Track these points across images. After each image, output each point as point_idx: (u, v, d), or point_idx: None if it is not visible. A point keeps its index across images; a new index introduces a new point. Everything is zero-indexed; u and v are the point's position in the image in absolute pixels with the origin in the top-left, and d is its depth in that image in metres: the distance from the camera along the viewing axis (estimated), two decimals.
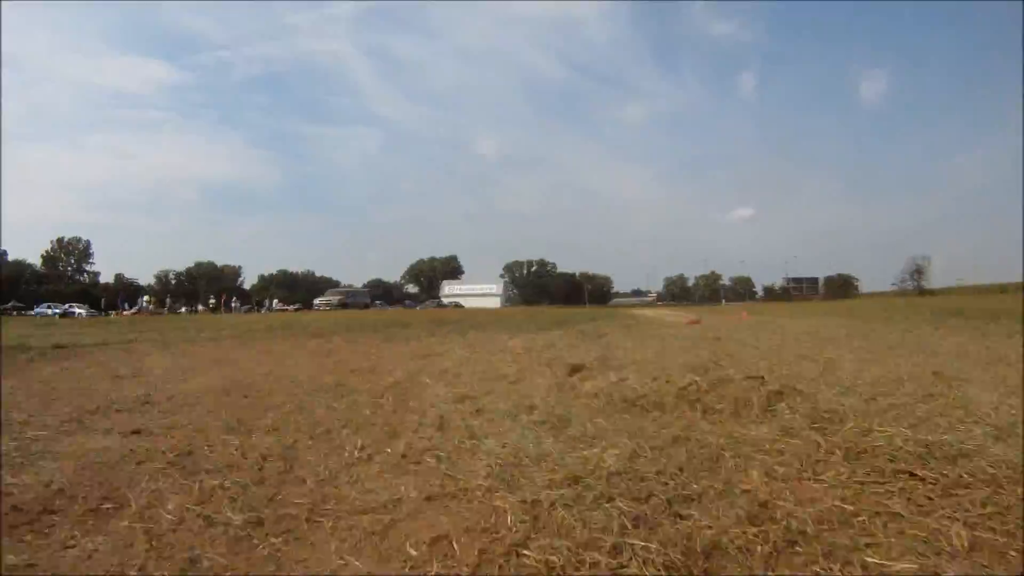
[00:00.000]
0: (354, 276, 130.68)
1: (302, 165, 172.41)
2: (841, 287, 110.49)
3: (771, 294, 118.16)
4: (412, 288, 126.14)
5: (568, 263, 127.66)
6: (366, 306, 35.74)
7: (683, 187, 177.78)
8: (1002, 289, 58.19)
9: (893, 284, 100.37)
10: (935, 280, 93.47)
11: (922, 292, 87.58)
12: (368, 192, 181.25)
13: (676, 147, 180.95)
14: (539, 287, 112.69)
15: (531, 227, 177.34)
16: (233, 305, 49.84)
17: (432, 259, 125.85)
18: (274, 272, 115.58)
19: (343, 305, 31.96)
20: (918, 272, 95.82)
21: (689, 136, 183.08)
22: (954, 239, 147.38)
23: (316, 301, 38.74)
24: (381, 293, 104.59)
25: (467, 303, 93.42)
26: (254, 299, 51.77)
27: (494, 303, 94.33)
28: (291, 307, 43.62)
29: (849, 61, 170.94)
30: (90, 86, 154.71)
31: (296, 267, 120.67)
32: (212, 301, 57.41)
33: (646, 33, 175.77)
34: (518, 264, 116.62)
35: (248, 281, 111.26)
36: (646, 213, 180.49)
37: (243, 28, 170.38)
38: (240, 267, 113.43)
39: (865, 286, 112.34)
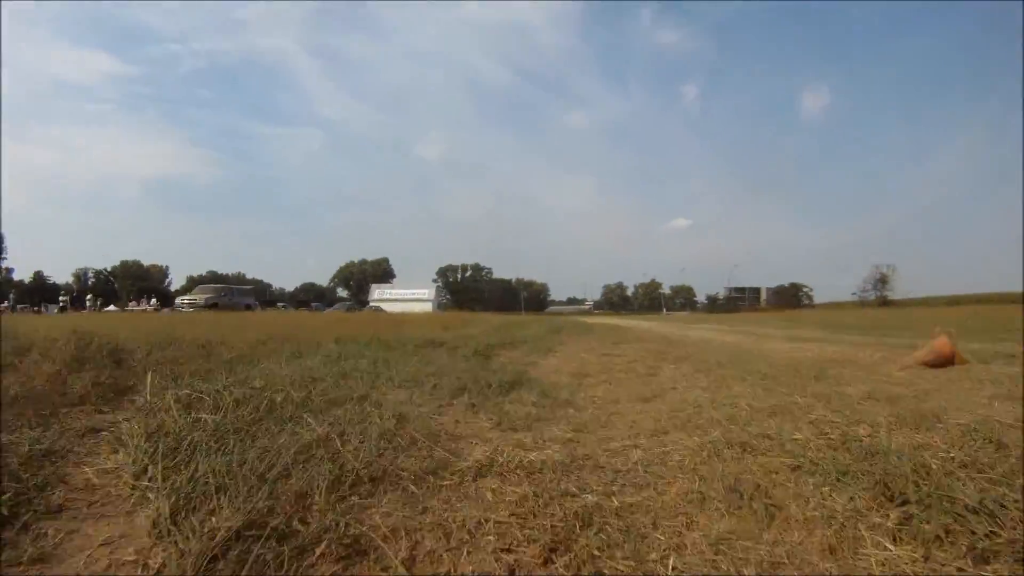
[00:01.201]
0: (289, 279, 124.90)
1: (244, 164, 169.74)
2: (793, 297, 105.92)
3: (714, 304, 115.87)
4: (342, 291, 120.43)
5: (504, 270, 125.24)
6: (248, 307, 28.90)
7: (623, 196, 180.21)
8: (955, 301, 56.82)
9: (854, 294, 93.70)
10: (901, 290, 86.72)
11: (885, 303, 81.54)
12: (309, 194, 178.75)
13: (618, 156, 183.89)
14: (473, 292, 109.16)
15: (470, 233, 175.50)
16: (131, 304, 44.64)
17: (363, 261, 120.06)
18: (203, 273, 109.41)
19: (212, 305, 25.06)
20: (882, 281, 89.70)
21: (631, 146, 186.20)
22: (904, 252, 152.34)
23: (179, 300, 31.69)
24: (315, 296, 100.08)
25: (397, 308, 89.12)
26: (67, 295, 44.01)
27: (425, 308, 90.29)
28: (148, 305, 37.01)
29: (792, 75, 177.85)
30: (37, 76, 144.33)
31: (231, 269, 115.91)
32: (132, 301, 53.75)
33: (594, 41, 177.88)
34: (452, 268, 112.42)
35: (177, 282, 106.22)
36: (585, 221, 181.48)
37: (192, 21, 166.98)
38: (167, 267, 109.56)
39: (820, 296, 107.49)
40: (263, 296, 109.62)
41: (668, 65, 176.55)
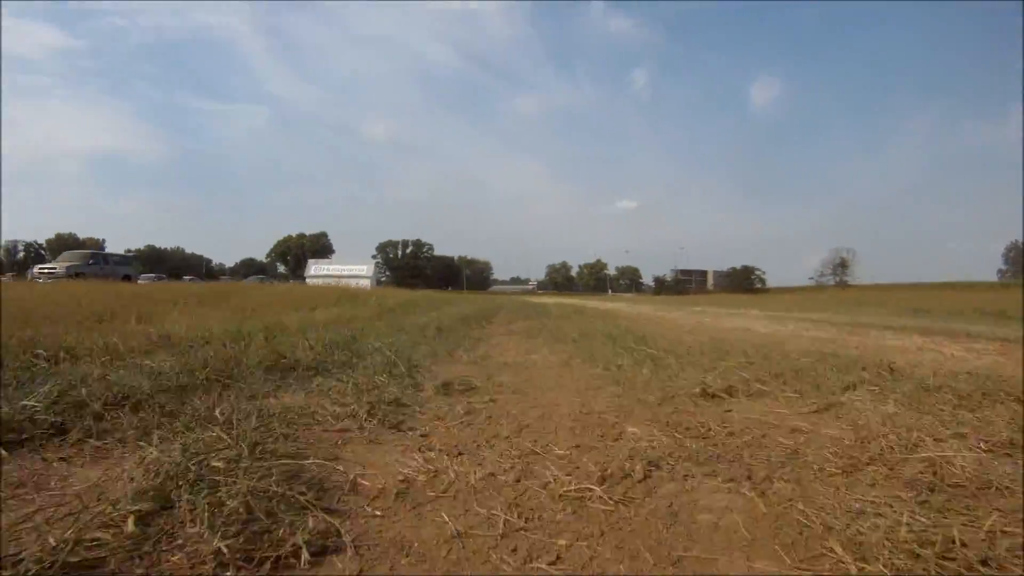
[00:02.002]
0: (230, 255, 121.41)
1: (188, 140, 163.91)
2: (745, 280, 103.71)
3: (662, 286, 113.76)
4: (281, 267, 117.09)
5: (448, 249, 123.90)
6: (127, 278, 25.35)
7: (570, 179, 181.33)
8: (917, 288, 56.61)
9: (811, 278, 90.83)
10: (862, 275, 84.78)
11: (844, 287, 78.82)
12: (253, 171, 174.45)
13: (566, 141, 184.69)
14: (414, 269, 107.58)
15: (415, 212, 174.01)
16: None
17: (301, 236, 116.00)
18: (141, 247, 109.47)
19: (77, 275, 21.29)
20: (842, 266, 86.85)
21: (579, 130, 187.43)
22: (851, 240, 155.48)
23: (36, 268, 27.32)
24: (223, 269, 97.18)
25: (334, 284, 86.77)
26: None
27: (363, 285, 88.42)
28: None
29: (744, 64, 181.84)
30: None
31: (171, 243, 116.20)
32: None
33: (544, 27, 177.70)
34: (392, 244, 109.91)
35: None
36: (531, 202, 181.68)
37: None
38: (103, 240, 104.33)
39: (772, 280, 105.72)
40: (209, 269, 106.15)
41: (619, 52, 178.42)
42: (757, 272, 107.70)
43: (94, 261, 26.57)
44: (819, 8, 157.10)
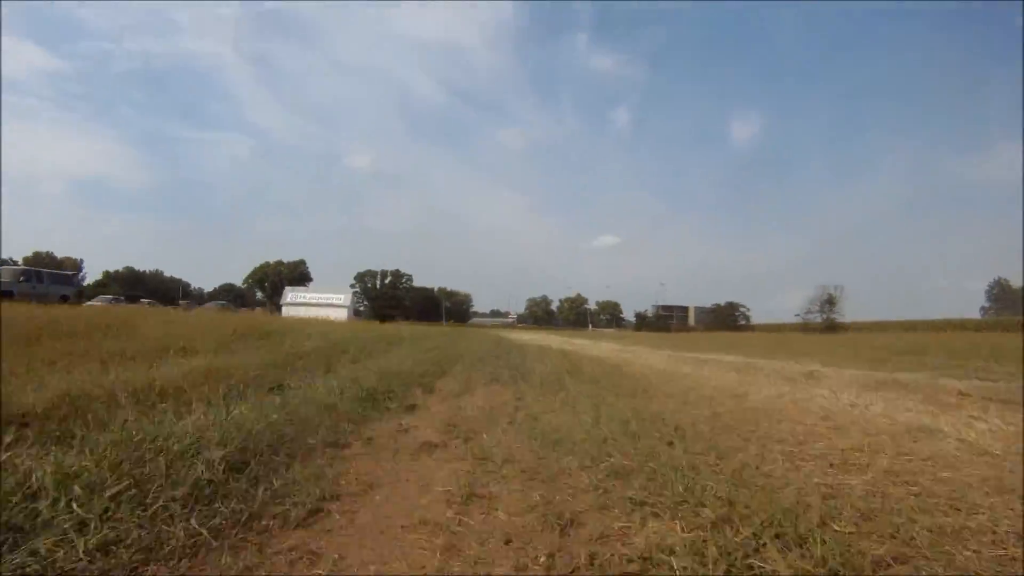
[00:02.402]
0: (211, 280, 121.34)
1: (172, 167, 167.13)
2: (729, 317, 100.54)
3: (643, 322, 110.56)
4: (259, 294, 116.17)
5: (428, 280, 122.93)
6: (64, 299, 22.48)
7: (552, 213, 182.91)
8: (911, 327, 53.28)
9: (797, 315, 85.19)
10: (850, 312, 79.90)
11: (832, 326, 75.06)
12: (235, 199, 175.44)
13: (548, 175, 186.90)
14: (392, 300, 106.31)
15: (396, 243, 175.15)
16: None
17: (279, 263, 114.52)
18: (120, 269, 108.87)
19: (6, 293, 18.34)
20: (829, 303, 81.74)
21: (562, 165, 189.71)
22: (833, 276, 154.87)
23: None
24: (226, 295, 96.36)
25: (310, 313, 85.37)
26: None
27: (340, 314, 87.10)
28: None
29: (723, 101, 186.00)
30: None
31: (151, 267, 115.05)
32: None
33: (528, 62, 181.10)
34: (371, 274, 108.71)
35: (92, 276, 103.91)
36: (512, 236, 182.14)
37: (127, 20, 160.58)
38: (81, 260, 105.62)
39: (759, 316, 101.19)
40: (186, 294, 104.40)
41: (601, 88, 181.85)
42: (741, 309, 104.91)
43: (26, 278, 24.61)
44: (799, 43, 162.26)
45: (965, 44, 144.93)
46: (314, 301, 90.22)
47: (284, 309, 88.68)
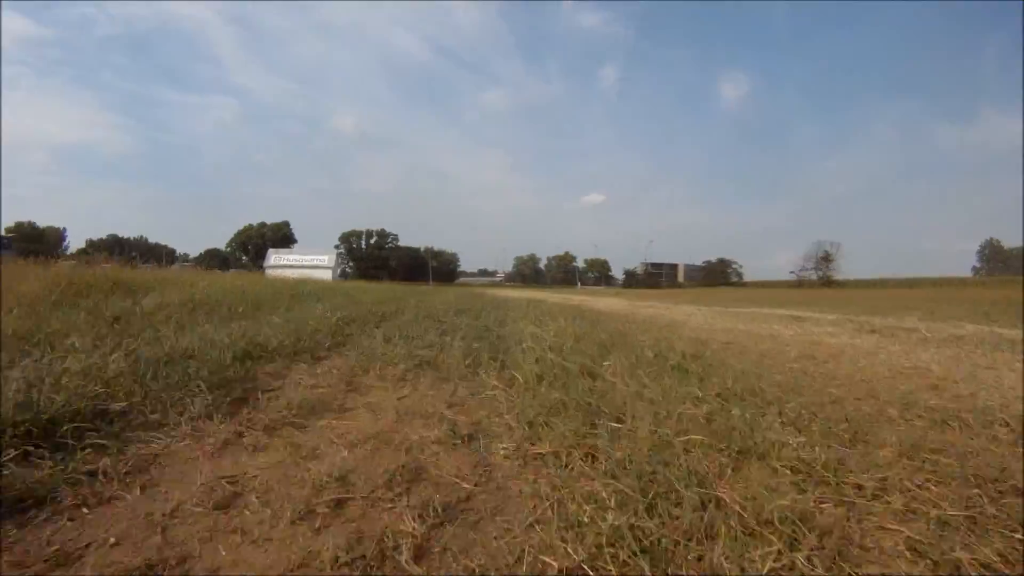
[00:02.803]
0: (196, 245, 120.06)
1: (156, 132, 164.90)
2: (721, 274, 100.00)
3: (633, 279, 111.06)
4: (243, 257, 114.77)
5: (414, 240, 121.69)
6: None
7: (538, 172, 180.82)
8: (913, 284, 54.67)
9: (792, 272, 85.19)
10: (846, 269, 79.84)
11: (828, 283, 74.55)
12: (220, 164, 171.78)
13: (534, 134, 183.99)
14: (379, 260, 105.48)
15: (381, 204, 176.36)
16: None
17: (262, 225, 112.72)
18: (104, 236, 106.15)
19: None
20: (825, 259, 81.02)
21: (548, 124, 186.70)
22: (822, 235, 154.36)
23: None
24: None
25: (296, 275, 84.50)
26: None
27: (325, 276, 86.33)
28: None
29: (711, 62, 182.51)
30: None
31: (136, 233, 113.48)
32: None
33: (514, 21, 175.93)
34: (356, 234, 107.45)
35: (75, 245, 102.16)
36: (499, 195, 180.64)
37: None
38: (64, 229, 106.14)
39: (751, 274, 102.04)
40: (171, 259, 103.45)
41: (588, 47, 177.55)
42: (733, 265, 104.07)
43: None
44: (788, 6, 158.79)
45: (956, 13, 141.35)
46: (298, 263, 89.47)
47: (267, 272, 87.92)
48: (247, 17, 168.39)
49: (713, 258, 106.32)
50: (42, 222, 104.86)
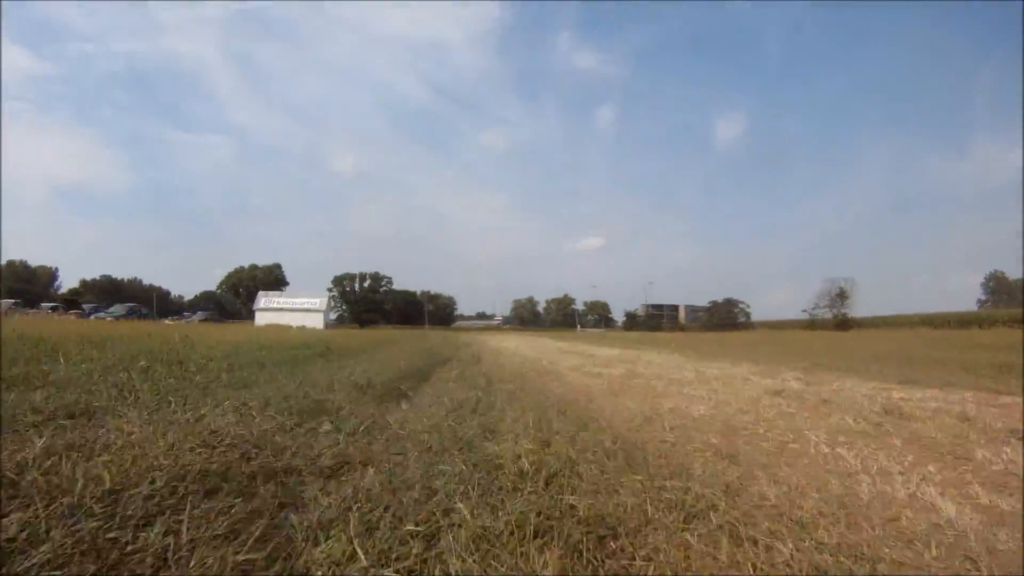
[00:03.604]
0: (193, 287, 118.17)
1: (154, 170, 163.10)
2: (727, 314, 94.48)
3: (633, 321, 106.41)
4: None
5: (411, 284, 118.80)
6: None
7: (535, 214, 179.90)
8: (928, 321, 54.05)
9: (804, 311, 79.47)
10: (858, 308, 74.68)
11: (843, 323, 69.30)
12: (217, 204, 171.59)
13: (531, 176, 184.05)
14: (372, 304, 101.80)
15: (379, 247, 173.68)
16: None
17: (253, 267, 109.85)
18: (97, 277, 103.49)
19: None
20: (840, 297, 75.51)
21: (545, 165, 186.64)
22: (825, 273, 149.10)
23: None
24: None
25: (286, 319, 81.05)
26: None
27: (316, 319, 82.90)
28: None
29: (707, 102, 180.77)
30: None
31: (132, 274, 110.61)
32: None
33: (511, 61, 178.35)
34: (349, 277, 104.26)
35: (68, 285, 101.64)
36: (496, 238, 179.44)
37: (111, 21, 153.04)
38: (56, 269, 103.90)
39: (757, 314, 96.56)
40: (152, 301, 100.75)
41: (584, 88, 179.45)
42: (740, 305, 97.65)
43: None
44: (781, 44, 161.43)
45: (951, 42, 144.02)
46: (288, 306, 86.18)
47: (257, 316, 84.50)
48: (247, 55, 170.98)
49: (719, 298, 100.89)
50: (37, 261, 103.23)
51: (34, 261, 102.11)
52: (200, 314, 60.74)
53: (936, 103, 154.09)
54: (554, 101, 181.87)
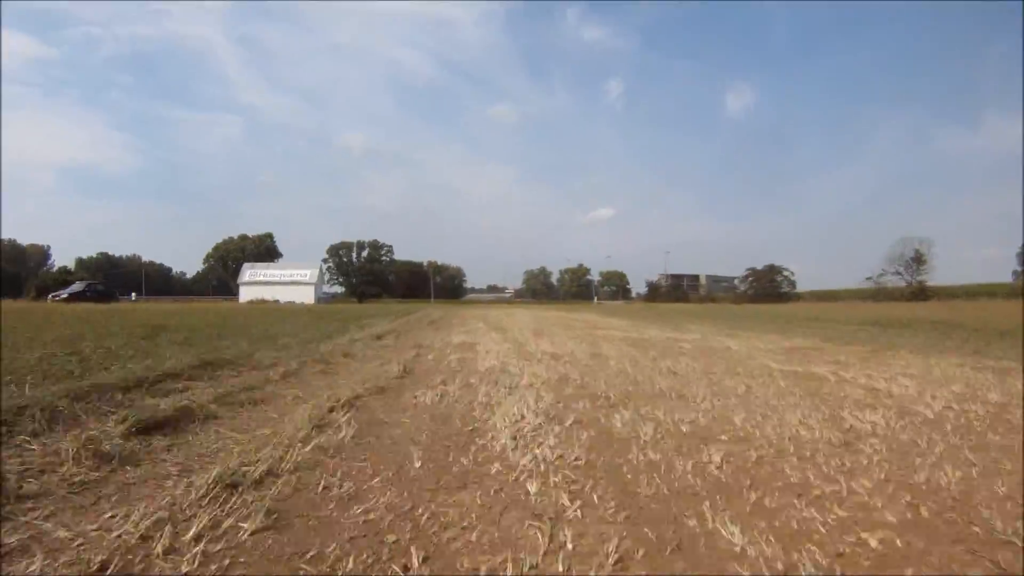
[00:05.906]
0: (197, 264, 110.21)
1: (162, 151, 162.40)
2: (770, 283, 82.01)
3: (655, 292, 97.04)
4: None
5: (420, 256, 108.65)
6: None
7: (546, 187, 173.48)
8: (991, 292, 50.06)
9: (869, 278, 67.73)
10: (937, 275, 63.34)
11: (920, 292, 57.86)
12: (227, 181, 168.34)
13: (541, 149, 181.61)
14: (372, 275, 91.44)
15: (389, 222, 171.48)
16: None
17: (243, 238, 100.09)
18: (94, 255, 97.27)
19: None
20: (917, 261, 63.08)
21: (554, 139, 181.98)
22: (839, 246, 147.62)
23: None
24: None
25: (275, 293, 71.68)
26: None
27: (307, 293, 73.21)
28: None
29: (717, 74, 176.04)
30: None
31: (133, 252, 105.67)
32: None
33: (519, 35, 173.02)
34: (346, 246, 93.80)
35: (63, 263, 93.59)
36: (507, 210, 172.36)
37: (114, 5, 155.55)
38: (48, 247, 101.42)
39: (801, 284, 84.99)
40: (155, 279, 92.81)
41: (593, 61, 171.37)
42: (784, 273, 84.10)
43: None
44: (790, 15, 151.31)
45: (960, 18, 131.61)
46: (276, 279, 76.32)
47: (242, 290, 75.25)
48: (252, 35, 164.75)
49: (759, 265, 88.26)
50: (43, 242, 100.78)
51: (46, 245, 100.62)
52: (78, 285, 46.24)
53: (948, 75, 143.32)
54: (563, 74, 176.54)
